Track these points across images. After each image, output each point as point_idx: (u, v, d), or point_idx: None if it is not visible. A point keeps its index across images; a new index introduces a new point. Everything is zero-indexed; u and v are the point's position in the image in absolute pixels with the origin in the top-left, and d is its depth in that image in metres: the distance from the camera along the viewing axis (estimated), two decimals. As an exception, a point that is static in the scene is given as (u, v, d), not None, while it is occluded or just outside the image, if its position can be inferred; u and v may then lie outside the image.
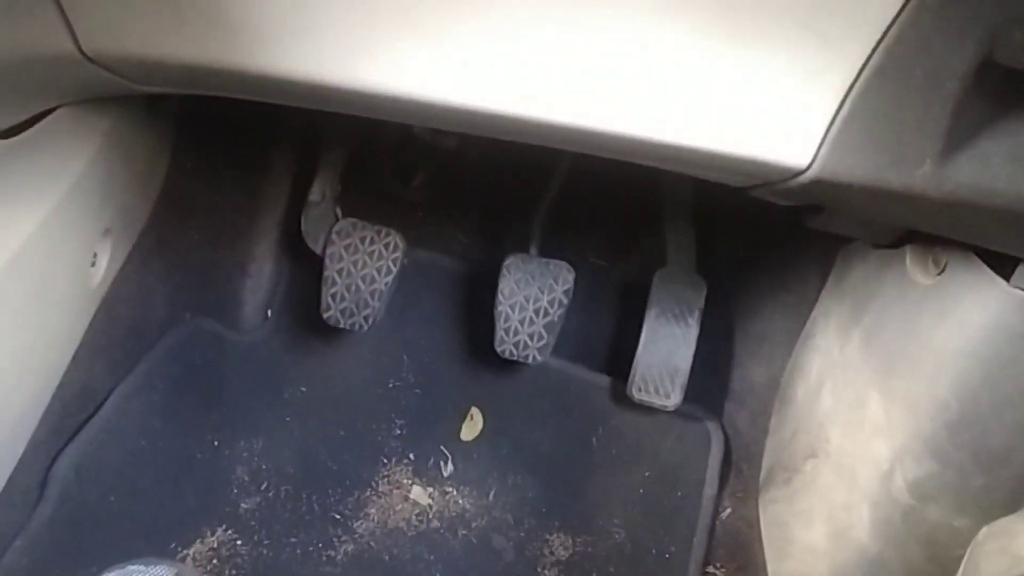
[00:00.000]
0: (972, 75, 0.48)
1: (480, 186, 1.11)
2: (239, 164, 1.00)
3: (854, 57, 0.48)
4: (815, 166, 0.54)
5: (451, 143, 1.02)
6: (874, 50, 0.48)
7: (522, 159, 0.78)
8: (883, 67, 0.48)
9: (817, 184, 0.55)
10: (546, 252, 0.99)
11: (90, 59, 0.57)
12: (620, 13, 0.50)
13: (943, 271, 0.70)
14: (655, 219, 1.04)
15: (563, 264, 0.95)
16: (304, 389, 1.02)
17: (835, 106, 0.51)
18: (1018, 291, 0.64)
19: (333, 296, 0.93)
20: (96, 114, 0.75)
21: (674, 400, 0.94)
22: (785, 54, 0.49)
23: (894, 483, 0.73)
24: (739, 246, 1.05)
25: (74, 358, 0.81)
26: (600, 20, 0.50)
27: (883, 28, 0.47)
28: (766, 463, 0.91)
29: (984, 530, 0.70)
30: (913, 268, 0.73)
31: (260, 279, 1.02)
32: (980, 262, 0.66)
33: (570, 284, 0.95)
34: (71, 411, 0.82)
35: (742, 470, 0.95)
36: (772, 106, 0.52)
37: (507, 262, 0.95)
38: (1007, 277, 0.64)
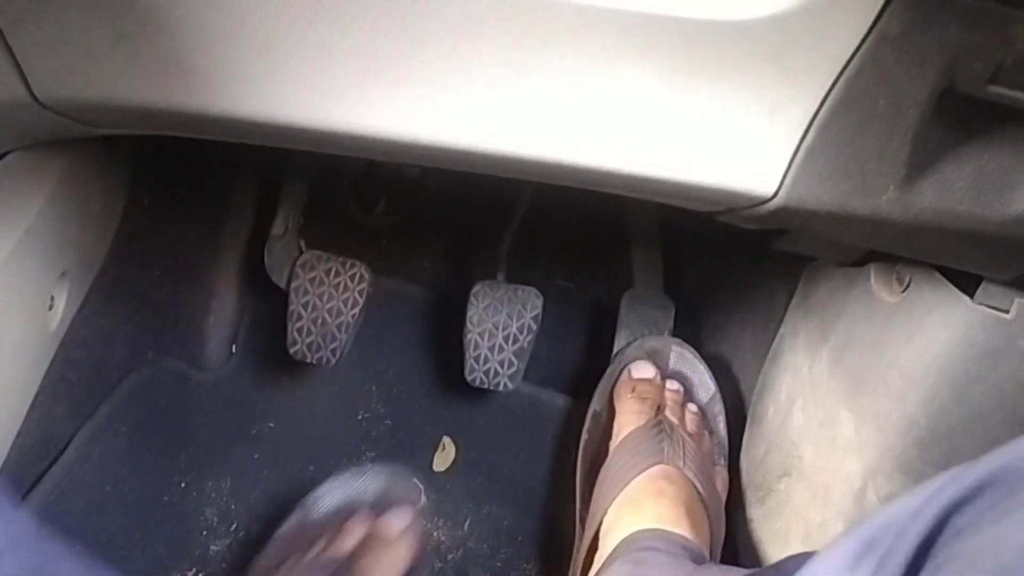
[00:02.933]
0: (933, 104, 0.48)
1: (445, 212, 1.10)
2: (199, 199, 0.98)
3: (816, 89, 0.49)
4: (780, 194, 0.54)
5: (414, 172, 1.02)
6: (835, 82, 0.48)
7: (487, 185, 0.77)
8: (845, 98, 0.49)
9: (783, 211, 0.56)
10: (513, 277, 0.99)
11: (44, 105, 0.56)
12: (584, 53, 0.50)
13: (907, 289, 0.71)
14: (622, 241, 1.04)
15: (531, 290, 0.95)
16: (272, 425, 1.01)
17: (798, 136, 0.51)
18: (982, 307, 0.65)
19: (299, 331, 0.92)
20: (50, 156, 0.73)
21: (646, 422, 0.94)
22: (748, 88, 0.50)
23: (867, 500, 0.73)
24: (706, 265, 1.06)
25: (32, 405, 0.78)
26: (564, 60, 0.50)
27: (844, 60, 0.47)
28: (740, 483, 0.91)
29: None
30: (878, 286, 0.74)
31: (224, 315, 1.00)
32: (944, 279, 0.67)
33: (539, 310, 0.94)
34: (31, 460, 0.79)
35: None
36: (736, 138, 0.52)
37: (474, 289, 0.94)
38: (971, 294, 0.65)
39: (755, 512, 0.87)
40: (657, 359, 0.92)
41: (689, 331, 1.02)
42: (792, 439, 0.83)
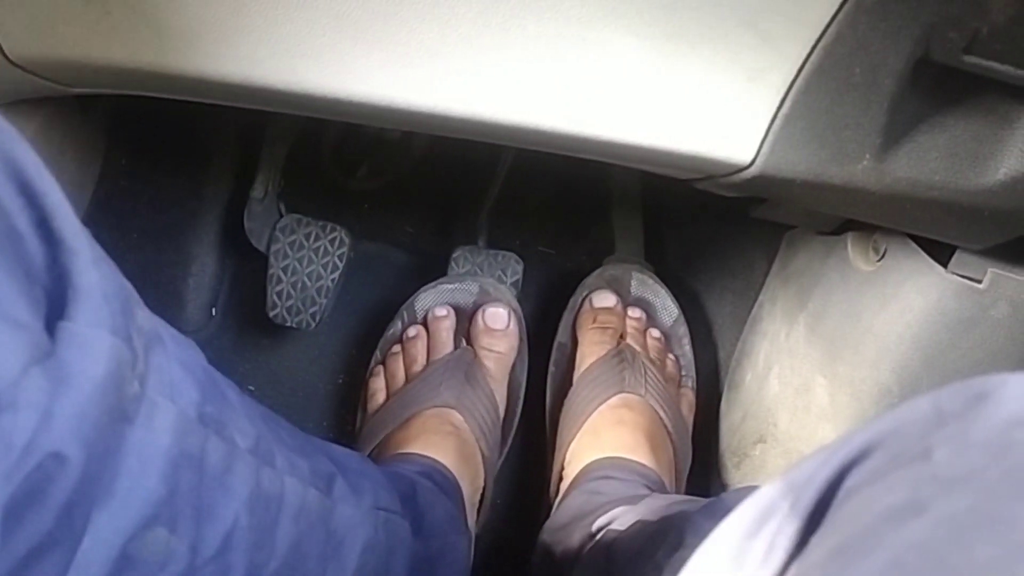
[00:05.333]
0: (909, 73, 0.48)
1: (427, 176, 1.10)
2: (177, 160, 0.97)
3: (794, 56, 0.49)
4: (758, 162, 0.55)
5: (395, 134, 1.01)
6: (813, 49, 0.48)
7: (468, 149, 0.77)
8: (822, 66, 0.49)
9: (760, 179, 0.56)
10: (494, 242, 0.99)
11: (14, 63, 0.55)
12: (562, 17, 0.49)
13: (883, 258, 0.71)
14: (603, 207, 1.04)
15: (511, 255, 0.95)
16: (252, 388, 1.01)
17: (776, 104, 0.51)
18: (955, 277, 0.65)
19: (279, 294, 0.92)
20: (23, 115, 0.72)
21: (626, 388, 0.95)
22: (727, 54, 0.49)
23: (840, 466, 0.74)
24: (687, 232, 1.06)
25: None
26: (542, 23, 0.50)
27: (821, 27, 0.47)
28: (717, 448, 0.92)
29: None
30: (854, 255, 0.75)
31: (203, 278, 1.00)
32: (918, 249, 0.68)
33: (519, 275, 0.94)
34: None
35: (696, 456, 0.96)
36: (714, 104, 0.52)
37: (455, 254, 0.94)
38: (944, 264, 0.66)
39: (731, 477, 0.89)
40: (618, 287, 0.93)
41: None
42: (768, 406, 0.84)
